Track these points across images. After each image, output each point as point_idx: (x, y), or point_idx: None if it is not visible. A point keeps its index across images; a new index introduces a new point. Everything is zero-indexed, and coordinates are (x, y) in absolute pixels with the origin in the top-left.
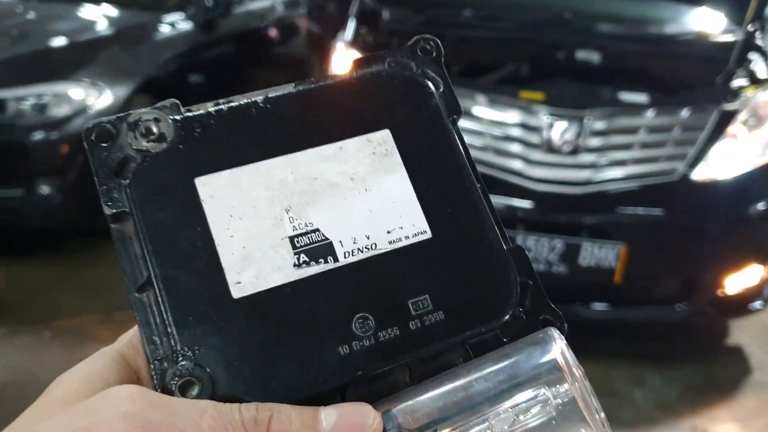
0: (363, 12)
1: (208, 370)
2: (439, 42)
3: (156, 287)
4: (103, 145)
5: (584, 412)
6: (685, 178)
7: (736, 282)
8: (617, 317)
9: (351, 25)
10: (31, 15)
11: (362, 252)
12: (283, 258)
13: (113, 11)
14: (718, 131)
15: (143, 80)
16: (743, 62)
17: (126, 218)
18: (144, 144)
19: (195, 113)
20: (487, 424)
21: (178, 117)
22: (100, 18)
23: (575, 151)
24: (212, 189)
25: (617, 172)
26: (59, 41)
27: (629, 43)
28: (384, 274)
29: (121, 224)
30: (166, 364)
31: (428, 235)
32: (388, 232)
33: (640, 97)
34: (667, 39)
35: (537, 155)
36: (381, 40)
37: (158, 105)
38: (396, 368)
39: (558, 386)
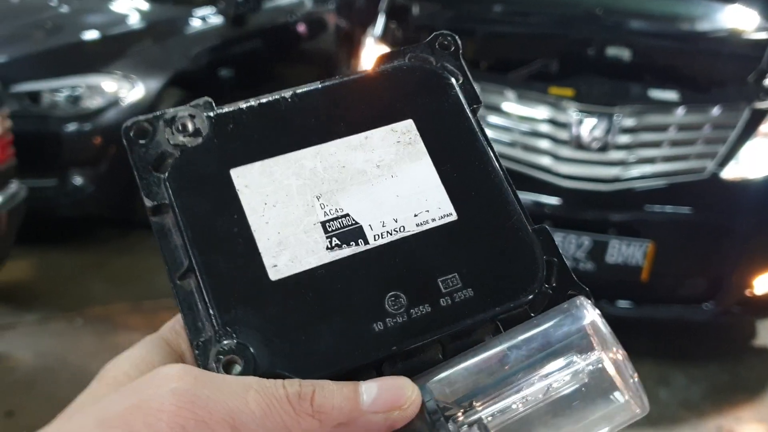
0: (393, 7)
1: (250, 348)
2: (456, 37)
3: (197, 273)
4: (142, 141)
5: (615, 379)
6: (714, 176)
7: (765, 282)
8: (643, 315)
9: (381, 21)
10: (64, 8)
11: (391, 234)
12: (316, 242)
13: (145, 5)
14: (749, 130)
15: (174, 74)
16: None
17: (165, 210)
18: (180, 139)
19: (227, 110)
20: (521, 394)
21: (211, 114)
22: (132, 12)
23: (604, 147)
24: (246, 179)
25: (646, 170)
26: (92, 34)
27: (660, 40)
28: (413, 255)
29: (161, 217)
30: (209, 345)
31: (454, 217)
32: (416, 215)
33: (671, 95)
34: (699, 36)
35: (566, 152)
36: (410, 35)
37: (192, 103)
38: (429, 344)
39: (589, 353)
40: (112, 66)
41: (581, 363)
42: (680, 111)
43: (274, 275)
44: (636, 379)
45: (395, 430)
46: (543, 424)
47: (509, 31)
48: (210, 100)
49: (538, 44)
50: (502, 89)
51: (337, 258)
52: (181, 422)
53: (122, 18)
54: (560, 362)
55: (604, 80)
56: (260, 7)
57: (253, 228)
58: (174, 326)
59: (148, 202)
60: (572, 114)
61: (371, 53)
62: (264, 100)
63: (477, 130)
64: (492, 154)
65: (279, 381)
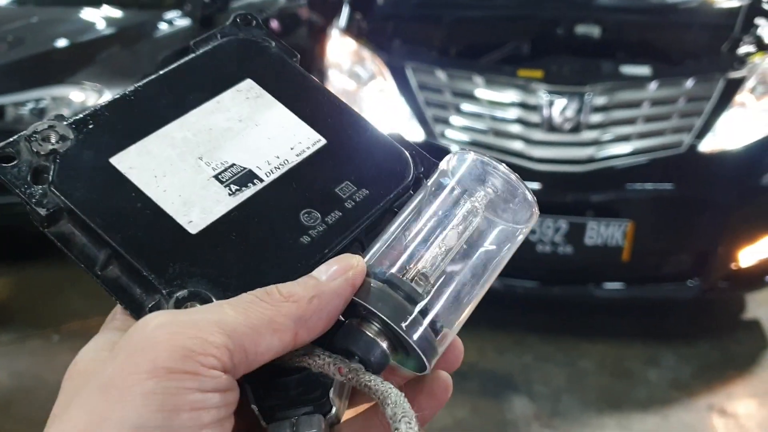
0: None
1: (201, 291)
2: (255, 15)
3: (121, 253)
4: (11, 164)
5: (501, 199)
6: (692, 150)
7: (751, 255)
8: (627, 296)
9: (345, 12)
10: (29, 20)
11: (279, 168)
12: (217, 192)
13: (110, 12)
14: (725, 100)
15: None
16: (750, 28)
17: (61, 216)
18: (50, 148)
19: (82, 115)
20: (438, 244)
21: (69, 121)
22: (98, 19)
23: (576, 128)
24: (128, 162)
25: (621, 148)
26: (57, 44)
27: (630, 15)
28: (306, 178)
29: (56, 226)
30: (162, 305)
31: (324, 141)
32: (292, 149)
33: (643, 70)
34: (669, 8)
35: (537, 135)
36: (376, 25)
37: (47, 118)
38: (350, 243)
39: (475, 189)
40: (78, 75)
41: (472, 199)
42: (653, 86)
43: (193, 229)
44: (526, 192)
45: (357, 295)
46: (467, 261)
47: (476, 15)
48: (61, 113)
49: (507, 27)
50: (470, 75)
51: (243, 199)
52: (179, 344)
53: (88, 26)
54: (456, 208)
55: (574, 59)
56: (228, 7)
57: (154, 198)
58: (121, 311)
59: (43, 212)
60: (542, 96)
61: (337, 45)
62: (113, 98)
63: (306, 73)
64: (327, 88)
65: (244, 294)
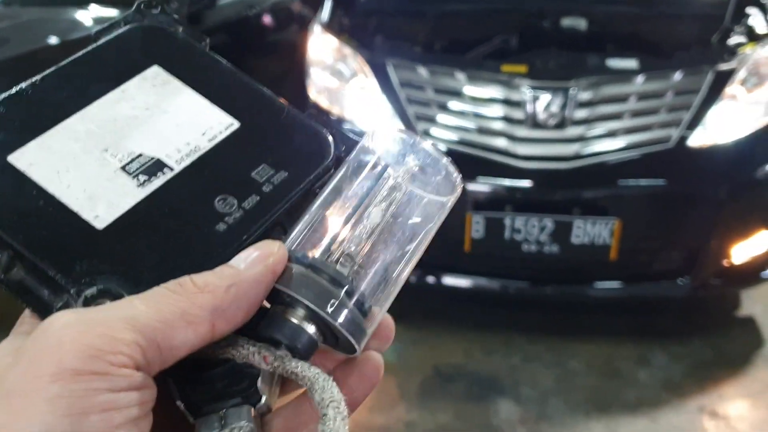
0: None
1: (111, 289)
2: (158, 0)
3: (24, 255)
4: None
5: (425, 171)
6: (681, 144)
7: (744, 250)
8: (617, 295)
9: (327, 7)
10: (16, 20)
11: (191, 155)
12: (124, 184)
13: (100, 11)
14: (714, 93)
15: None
16: (740, 18)
17: None
18: None
19: None
20: (363, 224)
21: None
22: (87, 18)
23: (561, 124)
24: (28, 159)
25: (608, 144)
26: (44, 43)
27: (617, 6)
28: (220, 163)
29: None
30: (71, 302)
31: (237, 124)
32: (203, 134)
33: (630, 63)
34: None
35: (521, 131)
36: (357, 21)
37: None
38: (271, 228)
39: (399, 165)
40: None
41: (395, 175)
42: (640, 79)
43: (100, 224)
44: (448, 164)
45: (280, 282)
46: (393, 237)
47: (460, 9)
48: None
49: (491, 21)
50: (452, 71)
51: (153, 189)
52: (86, 343)
53: (77, 25)
54: (379, 184)
55: (560, 53)
56: (215, 3)
57: (57, 195)
58: (29, 317)
59: None
60: (525, 91)
61: (318, 42)
62: (8, 93)
63: (216, 57)
64: (238, 70)
65: (156, 287)
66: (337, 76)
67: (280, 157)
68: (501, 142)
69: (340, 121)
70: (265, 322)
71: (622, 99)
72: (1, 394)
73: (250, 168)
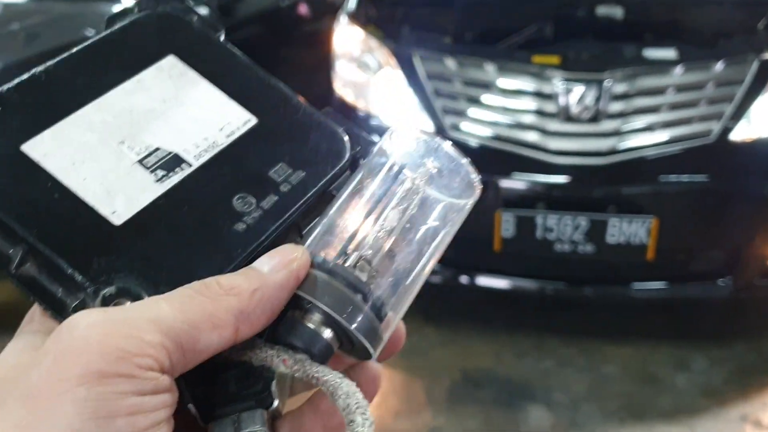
0: None
1: (131, 288)
2: None
3: (38, 250)
4: None
5: (445, 174)
6: (722, 139)
7: None
8: (654, 296)
9: None
10: (47, 15)
11: (208, 151)
12: (143, 179)
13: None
14: (759, 84)
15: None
16: None
17: None
18: None
19: None
20: (379, 224)
21: None
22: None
23: (596, 118)
24: (42, 149)
25: (644, 139)
26: (73, 38)
27: None
28: (238, 161)
29: None
30: (88, 301)
31: (255, 120)
32: (221, 129)
33: (668, 53)
34: None
35: (554, 125)
36: (384, 11)
37: None
38: (289, 229)
39: (417, 168)
40: None
41: (412, 177)
42: (678, 70)
43: (117, 220)
44: (468, 166)
45: (300, 286)
46: (410, 240)
47: None
48: None
49: (523, 10)
50: (481, 62)
51: (171, 185)
52: (112, 344)
53: (98, 21)
54: (396, 187)
55: (594, 43)
56: None
57: (73, 188)
58: (38, 313)
59: None
60: (558, 83)
61: (344, 34)
62: (21, 79)
63: (232, 49)
64: (255, 64)
65: (179, 288)
66: (363, 69)
67: (297, 156)
68: (532, 137)
69: (367, 115)
70: (282, 326)
71: (659, 91)
72: (24, 394)
73: (269, 166)
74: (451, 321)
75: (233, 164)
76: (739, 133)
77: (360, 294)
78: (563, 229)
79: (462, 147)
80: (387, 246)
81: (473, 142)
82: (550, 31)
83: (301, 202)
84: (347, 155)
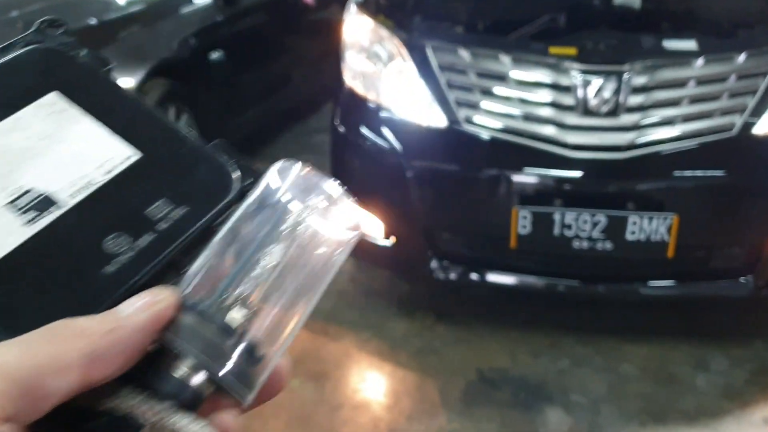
0: None
1: None
2: (61, 19)
3: None
4: None
5: (326, 202)
6: (745, 133)
7: None
8: (674, 294)
9: None
10: (50, 1)
11: (84, 190)
12: (9, 223)
13: None
14: None
15: (157, 64)
16: None
17: None
18: None
19: None
20: (263, 262)
21: None
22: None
23: (614, 111)
24: None
25: (665, 133)
26: (76, 25)
27: None
28: (115, 198)
29: None
30: None
31: (138, 155)
32: (100, 167)
33: (689, 45)
34: None
35: (571, 119)
36: (393, 2)
37: None
38: (165, 269)
39: (302, 203)
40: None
41: (297, 212)
42: (699, 62)
43: None
44: (351, 202)
45: (170, 329)
46: (294, 276)
47: None
48: None
49: None
50: (496, 53)
51: (41, 227)
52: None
53: (112, 6)
54: (280, 221)
55: (612, 34)
56: None
57: None
58: None
59: None
60: (575, 75)
61: (353, 24)
62: None
63: (118, 85)
64: (141, 99)
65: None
66: (374, 60)
67: (180, 191)
68: (549, 130)
69: (377, 107)
70: (151, 371)
71: (680, 84)
72: None
73: (147, 203)
74: (463, 319)
75: (109, 202)
76: (762, 128)
77: (230, 338)
78: (581, 225)
79: (476, 140)
80: (269, 283)
81: (487, 135)
82: (566, 21)
83: (181, 239)
84: (235, 189)
